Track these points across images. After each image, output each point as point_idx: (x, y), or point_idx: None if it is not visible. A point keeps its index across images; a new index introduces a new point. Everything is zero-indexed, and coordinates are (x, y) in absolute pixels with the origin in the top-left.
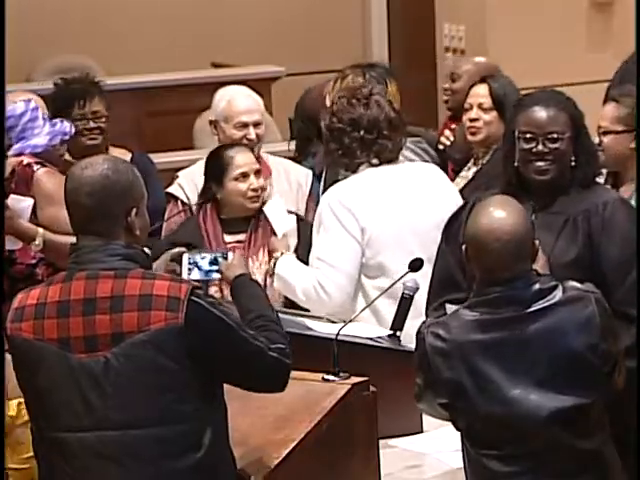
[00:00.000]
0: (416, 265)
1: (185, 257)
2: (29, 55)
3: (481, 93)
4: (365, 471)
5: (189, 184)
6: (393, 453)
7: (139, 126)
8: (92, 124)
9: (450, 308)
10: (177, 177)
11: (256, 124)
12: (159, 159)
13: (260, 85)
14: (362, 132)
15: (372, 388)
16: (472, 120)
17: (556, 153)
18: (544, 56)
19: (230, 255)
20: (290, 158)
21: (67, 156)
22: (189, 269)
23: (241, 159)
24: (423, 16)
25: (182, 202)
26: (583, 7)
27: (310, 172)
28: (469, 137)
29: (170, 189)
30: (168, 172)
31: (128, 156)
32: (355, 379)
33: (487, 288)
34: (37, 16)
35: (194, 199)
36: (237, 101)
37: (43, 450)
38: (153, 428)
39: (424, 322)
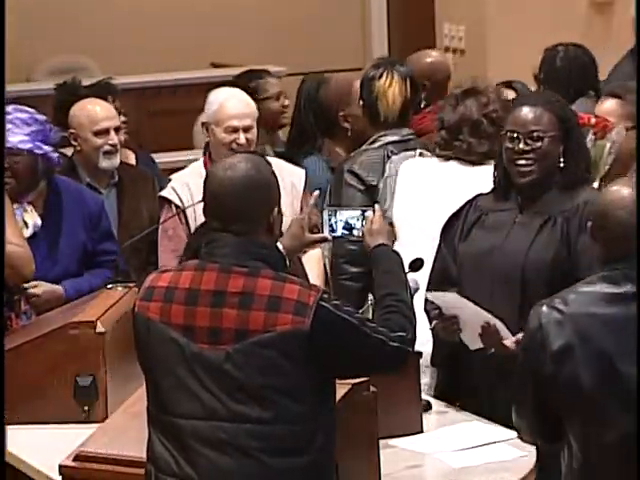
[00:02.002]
0: (416, 265)
1: (325, 213)
2: (29, 55)
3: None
4: (365, 471)
5: (182, 187)
6: (393, 453)
7: (139, 126)
8: None
9: (435, 296)
10: (169, 181)
11: (247, 129)
12: (159, 159)
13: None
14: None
15: (372, 388)
16: None
17: (538, 152)
18: None
19: (369, 213)
20: (283, 154)
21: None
22: (330, 225)
23: None
24: (423, 16)
25: (176, 206)
26: (583, 7)
27: (304, 171)
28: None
29: (163, 193)
30: (168, 172)
31: (132, 156)
32: (355, 379)
33: (607, 265)
34: (37, 16)
35: (188, 202)
36: (229, 104)
37: (156, 429)
38: (267, 425)
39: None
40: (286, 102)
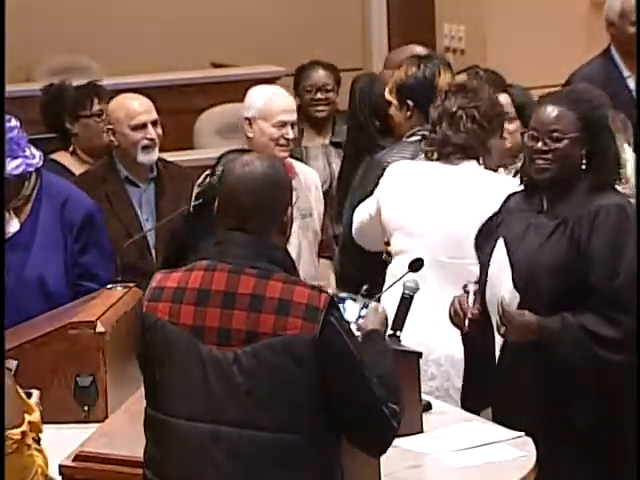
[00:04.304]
0: (416, 265)
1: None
2: (29, 55)
3: (502, 103)
4: (365, 471)
5: None
6: (393, 453)
7: None
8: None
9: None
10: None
11: (293, 124)
12: None
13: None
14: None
15: None
16: None
17: (557, 152)
18: (544, 56)
19: (372, 305)
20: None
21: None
22: None
23: None
24: (423, 16)
25: None
26: (583, 7)
27: (316, 172)
28: None
29: None
30: None
31: None
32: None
33: None
34: (37, 16)
35: None
36: (277, 99)
37: (155, 432)
38: (269, 432)
39: None
40: (328, 94)
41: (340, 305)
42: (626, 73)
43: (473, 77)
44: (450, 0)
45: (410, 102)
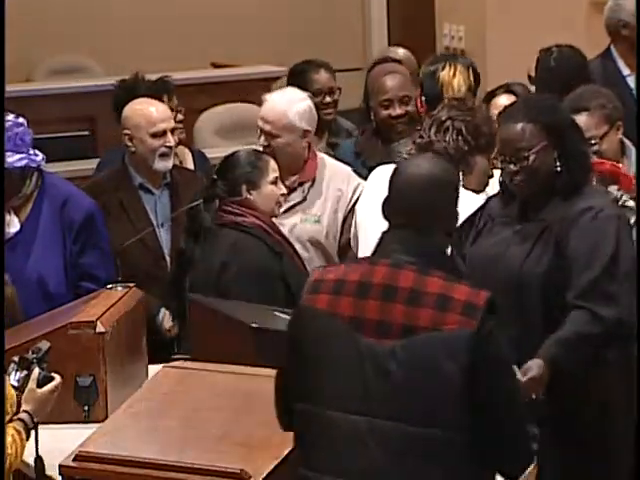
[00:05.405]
0: None
1: None
2: (29, 55)
3: (507, 104)
4: None
5: None
6: None
7: None
8: None
9: None
10: None
11: (269, 135)
12: None
13: (260, 85)
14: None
15: None
16: None
17: (527, 170)
18: None
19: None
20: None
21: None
22: None
23: (274, 164)
24: (423, 16)
25: None
26: (583, 7)
27: (359, 182)
28: None
29: None
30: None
31: (189, 155)
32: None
33: None
34: (37, 16)
35: None
36: (266, 105)
37: (306, 424)
38: (416, 427)
39: None
40: (335, 97)
41: None
42: (625, 72)
43: (550, 55)
44: (450, 0)
45: (423, 98)
